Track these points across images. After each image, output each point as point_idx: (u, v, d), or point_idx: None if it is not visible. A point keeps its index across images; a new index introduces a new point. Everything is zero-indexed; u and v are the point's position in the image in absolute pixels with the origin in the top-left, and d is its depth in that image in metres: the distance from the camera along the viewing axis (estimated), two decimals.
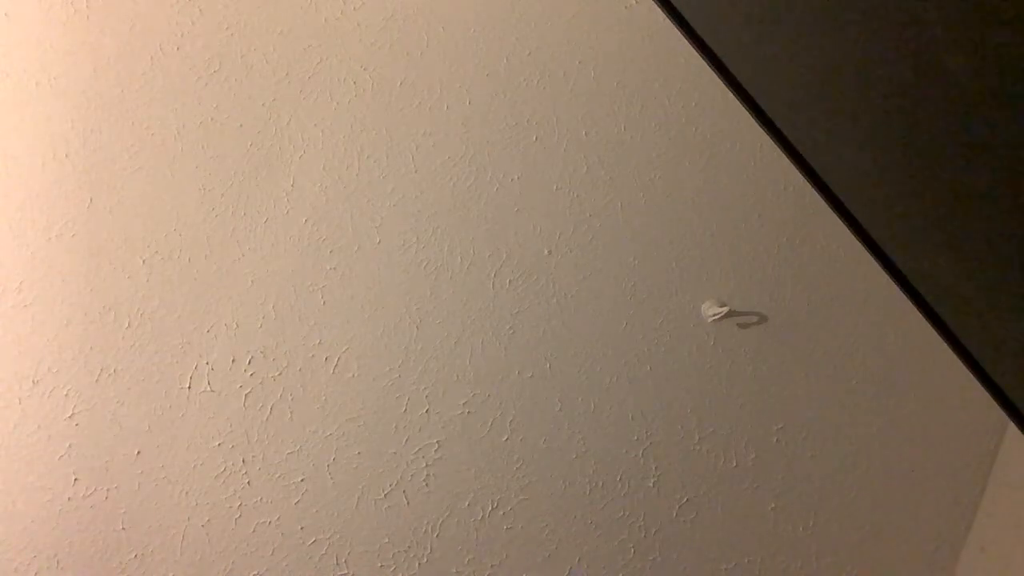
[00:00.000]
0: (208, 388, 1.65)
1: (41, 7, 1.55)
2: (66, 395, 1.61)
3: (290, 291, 1.66)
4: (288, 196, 1.65)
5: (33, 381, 1.60)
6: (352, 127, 1.65)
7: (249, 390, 1.66)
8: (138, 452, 1.64)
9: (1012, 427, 1.79)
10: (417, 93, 1.67)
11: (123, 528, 1.65)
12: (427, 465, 1.73)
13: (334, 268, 1.67)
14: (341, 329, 1.68)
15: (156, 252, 1.62)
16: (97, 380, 1.62)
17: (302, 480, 1.69)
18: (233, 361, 1.65)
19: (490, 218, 1.71)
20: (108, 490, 1.64)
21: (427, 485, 1.73)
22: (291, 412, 1.68)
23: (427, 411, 1.72)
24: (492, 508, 1.75)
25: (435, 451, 1.73)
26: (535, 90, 1.70)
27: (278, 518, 1.69)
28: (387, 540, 1.73)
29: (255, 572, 1.69)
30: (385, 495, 1.72)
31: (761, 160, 1.76)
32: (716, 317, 1.76)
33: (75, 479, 1.63)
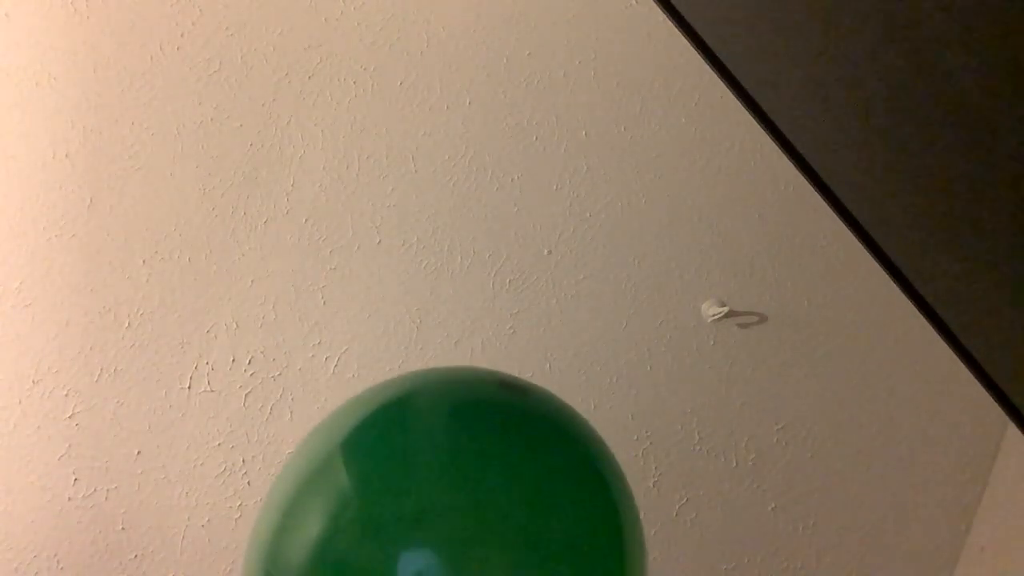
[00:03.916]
0: (208, 388, 1.65)
1: (41, 7, 1.55)
2: (66, 395, 1.61)
3: (290, 291, 1.66)
4: (288, 196, 1.65)
5: (33, 381, 1.60)
6: (352, 127, 1.65)
7: (249, 390, 1.66)
8: (138, 452, 1.64)
9: (1012, 427, 1.78)
10: (417, 93, 1.67)
11: (123, 528, 1.65)
12: None
13: (334, 268, 1.67)
14: (341, 329, 1.68)
15: (156, 252, 1.62)
16: (97, 380, 1.62)
17: None
18: (233, 361, 1.65)
19: (490, 218, 1.71)
20: (108, 490, 1.64)
21: None
22: (291, 412, 1.68)
23: None
24: None
25: None
26: (535, 90, 1.70)
27: None
28: None
29: None
30: None
31: (761, 160, 1.76)
32: (716, 317, 1.76)
33: (75, 479, 1.63)
